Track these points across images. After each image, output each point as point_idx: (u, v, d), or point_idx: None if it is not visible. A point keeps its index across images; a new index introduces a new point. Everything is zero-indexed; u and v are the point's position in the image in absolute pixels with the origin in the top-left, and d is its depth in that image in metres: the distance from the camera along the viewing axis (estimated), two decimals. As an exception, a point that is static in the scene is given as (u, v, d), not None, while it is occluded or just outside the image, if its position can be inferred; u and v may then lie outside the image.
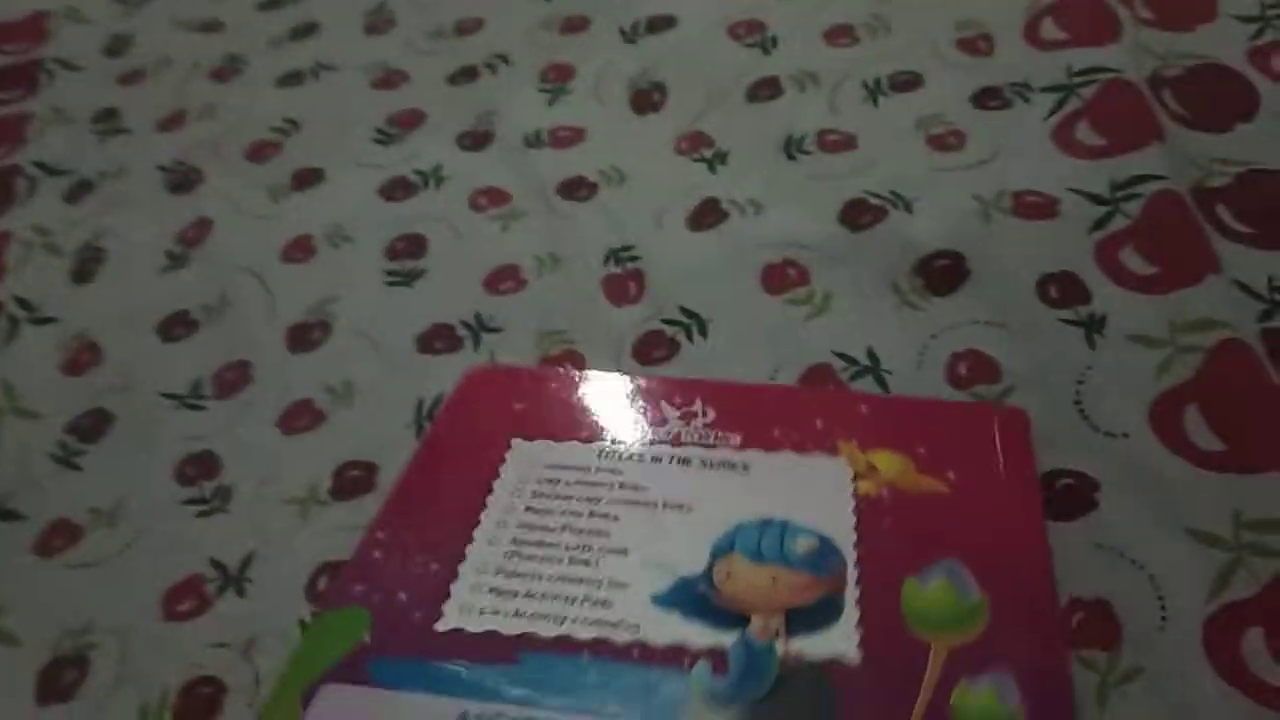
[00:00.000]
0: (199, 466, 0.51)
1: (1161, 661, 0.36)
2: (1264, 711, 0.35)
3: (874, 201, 0.54)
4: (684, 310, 0.52)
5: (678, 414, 0.45)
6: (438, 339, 0.54)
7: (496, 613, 0.38)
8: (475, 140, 0.64)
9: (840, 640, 0.35)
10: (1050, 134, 0.54)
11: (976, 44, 0.60)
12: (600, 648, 0.36)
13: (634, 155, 0.60)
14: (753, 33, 0.66)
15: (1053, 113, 0.54)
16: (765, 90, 0.62)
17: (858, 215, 0.53)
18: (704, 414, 0.45)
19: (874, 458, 0.42)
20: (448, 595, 0.39)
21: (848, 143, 0.58)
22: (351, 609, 0.39)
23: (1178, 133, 0.52)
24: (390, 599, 0.39)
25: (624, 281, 0.54)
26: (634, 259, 0.55)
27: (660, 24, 0.68)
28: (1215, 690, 0.35)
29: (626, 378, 0.48)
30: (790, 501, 0.40)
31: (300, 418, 0.52)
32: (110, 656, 0.44)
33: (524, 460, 0.44)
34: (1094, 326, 0.46)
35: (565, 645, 0.36)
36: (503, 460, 0.44)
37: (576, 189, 0.60)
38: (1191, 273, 0.46)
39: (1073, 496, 0.40)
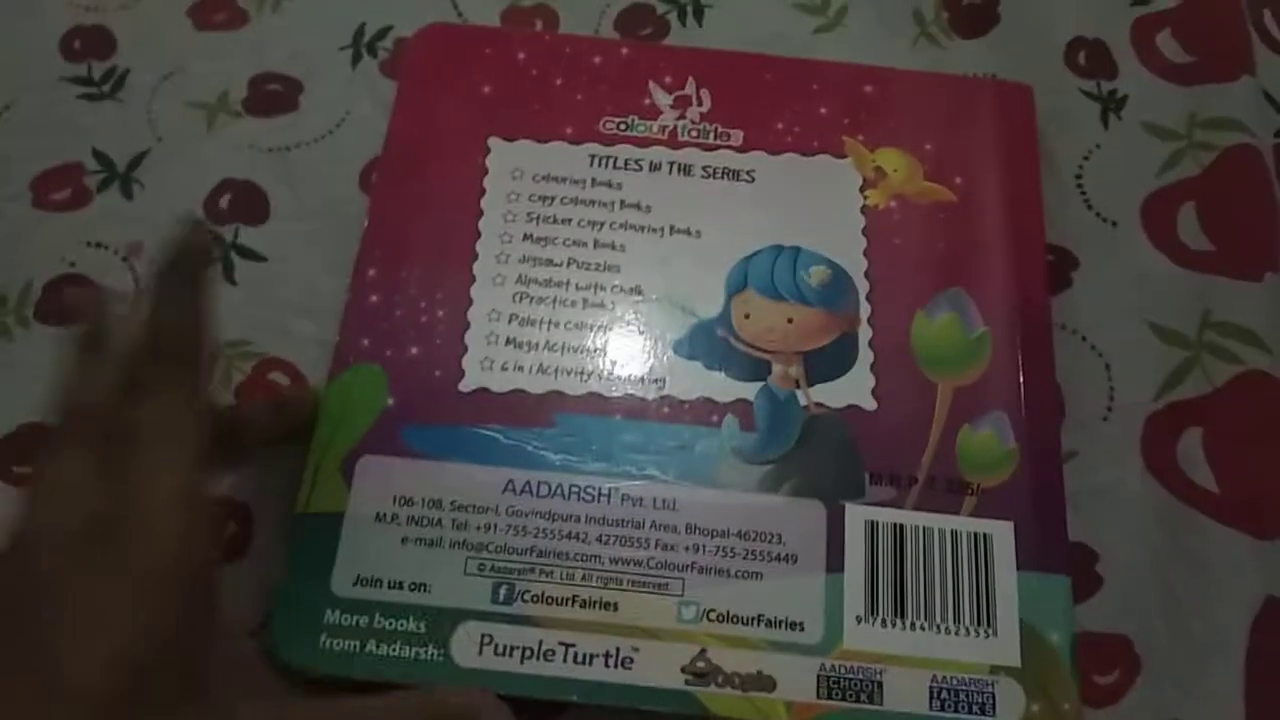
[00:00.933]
0: (90, 43, 0.44)
1: (1096, 449, 0.37)
2: (1177, 503, 0.36)
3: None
4: (683, -13, 0.46)
5: (670, 100, 0.41)
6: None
7: (520, 368, 0.36)
8: None
9: (857, 386, 0.36)
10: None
11: None
12: (631, 406, 0.35)
13: None
14: None
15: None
16: None
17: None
18: (699, 100, 0.41)
19: (882, 158, 0.40)
20: (464, 348, 0.36)
21: None
22: (365, 367, 0.36)
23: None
24: (402, 353, 0.36)
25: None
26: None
27: None
28: (1139, 480, 0.37)
29: (607, 46, 0.42)
30: (799, 221, 0.39)
31: (217, 11, 0.44)
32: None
33: (509, 168, 0.39)
34: (1112, 105, 0.43)
35: (596, 404, 0.35)
36: (485, 170, 0.39)
37: None
38: (1225, 70, 0.43)
39: (1050, 274, 0.39)
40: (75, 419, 0.26)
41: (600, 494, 0.34)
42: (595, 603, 0.33)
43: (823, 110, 0.41)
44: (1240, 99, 0.42)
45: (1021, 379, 0.36)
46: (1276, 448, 0.37)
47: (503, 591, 0.33)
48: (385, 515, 0.34)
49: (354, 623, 0.32)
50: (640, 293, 0.37)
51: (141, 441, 0.25)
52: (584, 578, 0.33)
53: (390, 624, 0.32)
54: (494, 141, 0.40)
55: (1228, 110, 0.42)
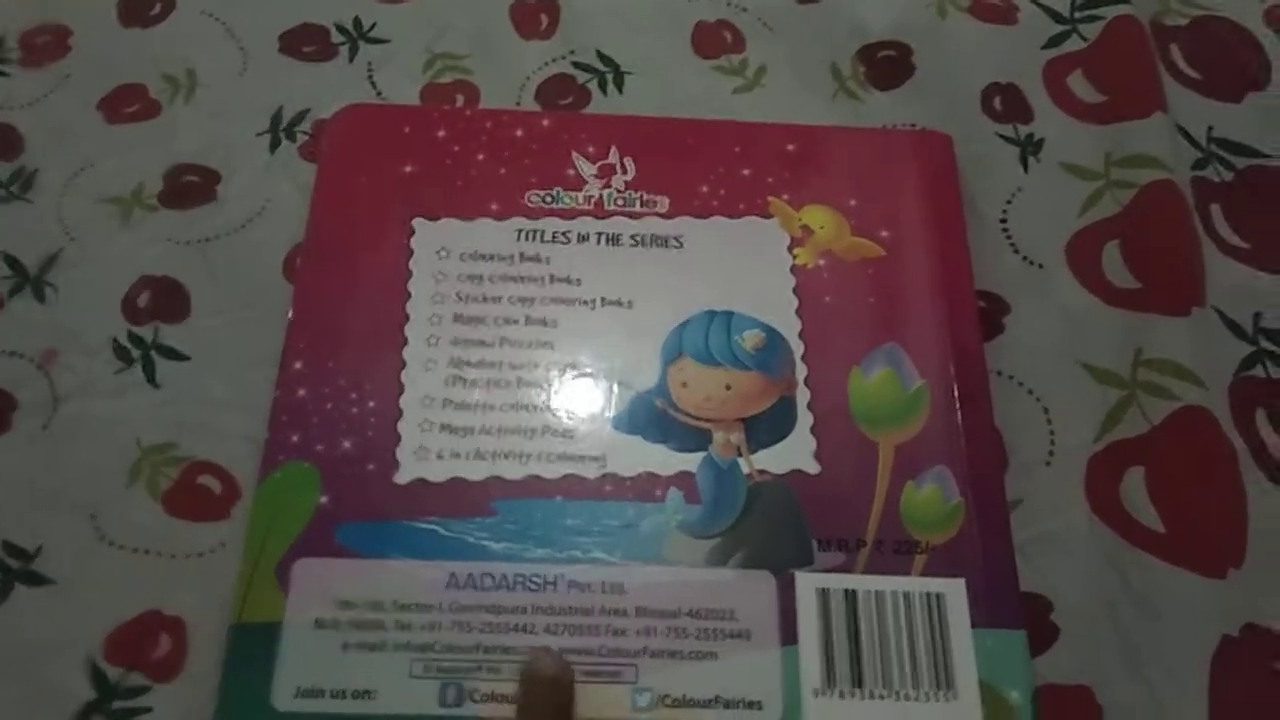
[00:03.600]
0: (-5, 142, 0.43)
1: (1041, 495, 0.37)
2: (1125, 545, 0.36)
3: (828, -27, 0.47)
4: (601, 56, 0.46)
5: (594, 170, 0.40)
6: (307, 40, 0.46)
7: (457, 455, 0.35)
8: None
9: (798, 450, 0.35)
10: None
11: None
12: (572, 487, 0.35)
13: None
14: None
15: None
16: None
17: (808, -16, 0.47)
18: (623, 168, 0.40)
19: (807, 216, 0.40)
20: (397, 438, 0.35)
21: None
22: (295, 465, 0.35)
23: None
24: (335, 448, 0.35)
25: (536, 11, 0.47)
26: (551, -14, 0.47)
27: None
28: (1086, 524, 0.36)
29: (528, 118, 0.42)
30: (730, 284, 0.38)
31: (128, 104, 0.44)
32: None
33: (434, 247, 0.39)
34: (1030, 148, 0.44)
35: (537, 488, 0.34)
36: (410, 251, 0.39)
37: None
38: (1139, 107, 0.44)
39: (982, 320, 0.39)
40: None
41: (546, 582, 0.33)
42: (547, 697, 0.32)
43: (746, 171, 0.41)
44: (1155, 135, 0.43)
45: (962, 430, 0.36)
46: (1217, 483, 0.37)
47: (450, 693, 0.32)
48: (325, 620, 0.32)
49: None
50: (575, 368, 0.37)
51: None
52: (534, 671, 0.32)
53: None
54: (418, 221, 0.39)
55: (1143, 147, 0.43)
